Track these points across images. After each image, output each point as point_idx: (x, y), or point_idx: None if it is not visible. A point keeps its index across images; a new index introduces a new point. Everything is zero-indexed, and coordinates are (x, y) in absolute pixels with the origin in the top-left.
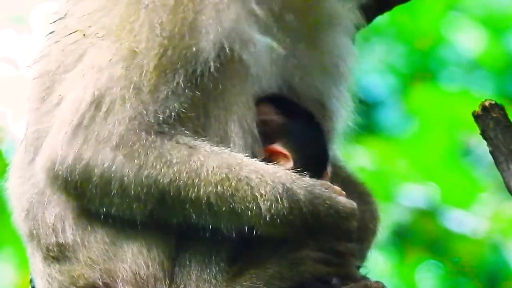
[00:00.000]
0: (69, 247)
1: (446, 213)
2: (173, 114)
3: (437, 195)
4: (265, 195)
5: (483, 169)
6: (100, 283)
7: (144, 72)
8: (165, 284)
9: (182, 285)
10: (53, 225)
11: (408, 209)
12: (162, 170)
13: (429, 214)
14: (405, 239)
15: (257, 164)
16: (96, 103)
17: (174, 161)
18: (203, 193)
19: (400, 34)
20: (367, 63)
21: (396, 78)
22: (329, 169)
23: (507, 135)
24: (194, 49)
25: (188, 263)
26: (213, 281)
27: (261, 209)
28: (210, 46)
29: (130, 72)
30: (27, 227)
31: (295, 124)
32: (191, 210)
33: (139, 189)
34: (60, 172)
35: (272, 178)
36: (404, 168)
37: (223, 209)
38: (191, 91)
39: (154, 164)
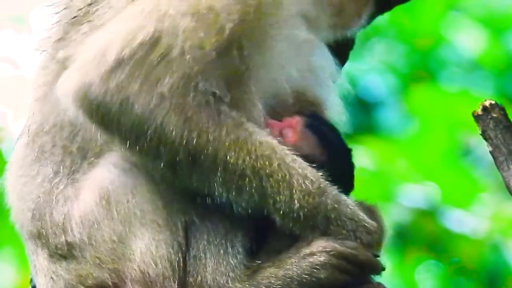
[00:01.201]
0: (76, 245)
1: (446, 213)
2: (225, 84)
3: (437, 195)
4: (301, 186)
5: (483, 169)
6: (110, 283)
7: (215, 32)
8: (174, 281)
9: (199, 278)
10: (62, 224)
11: (408, 209)
12: (210, 128)
13: (429, 214)
14: (405, 239)
15: (298, 158)
16: (153, 43)
17: (225, 125)
18: (241, 163)
19: (400, 34)
20: (367, 63)
21: (396, 78)
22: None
23: (507, 135)
24: (271, 22)
25: (203, 255)
26: (231, 274)
27: (292, 198)
28: (283, 23)
29: (200, 27)
30: (33, 227)
31: (336, 162)
32: (220, 177)
33: (177, 140)
34: (95, 99)
35: (311, 174)
36: (404, 168)
37: (254, 185)
38: (245, 65)
39: (201, 121)
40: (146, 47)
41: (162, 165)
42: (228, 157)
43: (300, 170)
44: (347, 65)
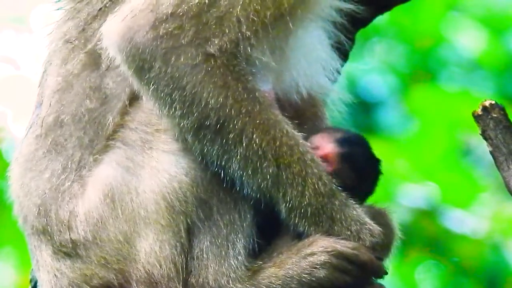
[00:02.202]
0: (81, 244)
1: (446, 213)
2: (263, 61)
3: (437, 195)
4: (314, 186)
5: (483, 169)
6: (115, 283)
7: (272, 4)
8: (178, 282)
9: (200, 279)
10: (67, 221)
11: (408, 209)
12: (244, 101)
13: (429, 214)
14: (405, 239)
15: (317, 159)
16: (211, 4)
17: (258, 102)
18: (265, 144)
19: (400, 34)
20: (367, 63)
21: (396, 78)
22: None
23: (507, 135)
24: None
25: (205, 256)
26: (232, 275)
27: (303, 194)
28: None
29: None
30: (38, 223)
31: (364, 184)
32: (242, 152)
33: (212, 102)
34: (141, 44)
35: (325, 177)
36: (404, 168)
37: (271, 170)
38: (281, 47)
39: (241, 91)
40: (203, 6)
41: (188, 125)
42: (254, 135)
43: (316, 171)
44: (347, 65)
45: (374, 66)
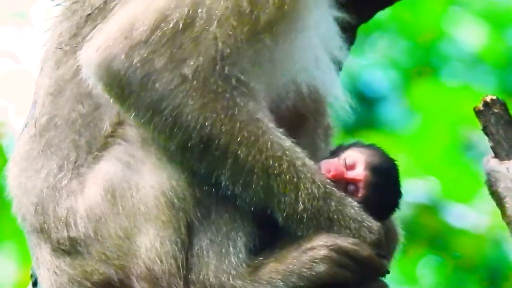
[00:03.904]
0: (81, 241)
1: (447, 208)
2: (250, 76)
3: (439, 190)
4: (307, 190)
5: None
6: (116, 279)
7: (248, 21)
8: (179, 278)
9: (201, 276)
10: (65, 219)
11: (410, 204)
12: (224, 119)
13: (430, 209)
14: (406, 234)
15: (310, 162)
16: (186, 26)
17: (240, 118)
18: (251, 159)
19: (402, 29)
20: (369, 58)
21: (398, 73)
22: None
23: (509, 130)
24: (303, 14)
25: (205, 253)
26: (233, 272)
27: (297, 200)
28: (308, 16)
29: (235, 15)
30: (36, 221)
31: (387, 198)
32: (229, 169)
33: (192, 124)
34: (117, 72)
35: (319, 178)
36: (405, 163)
37: (261, 183)
38: (274, 54)
39: (219, 110)
40: (178, 28)
41: (173, 147)
42: (238, 152)
43: (308, 175)
44: (349, 60)
45: (375, 61)
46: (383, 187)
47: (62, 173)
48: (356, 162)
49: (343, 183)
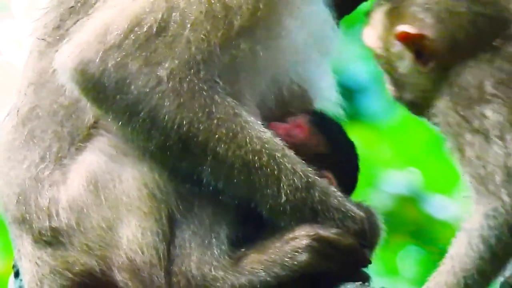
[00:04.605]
0: (63, 231)
1: (429, 199)
2: (226, 75)
3: (420, 181)
4: (289, 181)
5: None
6: (97, 270)
7: (222, 26)
8: (160, 269)
9: (183, 267)
10: (47, 209)
11: (391, 195)
12: (201, 118)
13: (412, 200)
14: (387, 225)
15: (290, 153)
16: (160, 30)
17: (218, 115)
18: (231, 154)
19: None
20: (351, 50)
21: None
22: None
23: None
24: (280, 16)
25: (188, 244)
26: (215, 263)
27: (280, 192)
28: (291, 16)
29: (209, 20)
30: (18, 211)
31: (344, 160)
32: (210, 166)
33: (169, 125)
34: (92, 76)
35: (300, 169)
36: (387, 154)
37: (243, 177)
38: (251, 56)
39: (196, 108)
40: (152, 32)
41: (152, 148)
42: (218, 148)
43: (289, 165)
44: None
45: (357, 52)
46: (324, 121)
47: (44, 163)
48: (299, 119)
49: (284, 130)
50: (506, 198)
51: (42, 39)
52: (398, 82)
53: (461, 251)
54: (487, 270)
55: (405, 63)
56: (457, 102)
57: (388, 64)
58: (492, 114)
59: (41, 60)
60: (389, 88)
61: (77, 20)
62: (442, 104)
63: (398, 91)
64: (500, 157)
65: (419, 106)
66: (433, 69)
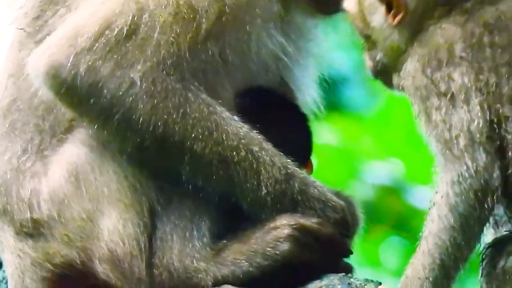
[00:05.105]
0: (44, 223)
1: (410, 190)
2: (200, 74)
3: (402, 172)
4: (268, 174)
5: None
6: (78, 261)
7: (191, 29)
8: (141, 260)
9: (164, 260)
10: (28, 200)
11: (373, 186)
12: (176, 118)
13: (393, 191)
14: (369, 215)
15: (268, 145)
16: (129, 33)
17: (192, 114)
18: (209, 152)
19: None
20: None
21: (361, 54)
22: (313, 161)
23: None
24: (248, 17)
25: (169, 237)
26: (197, 255)
27: (260, 186)
28: (259, 17)
29: (177, 23)
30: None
31: (273, 121)
32: (188, 164)
33: (144, 126)
34: (64, 81)
35: (279, 161)
36: (369, 145)
37: (221, 173)
38: (221, 59)
39: (170, 109)
40: (121, 35)
41: (129, 149)
42: (195, 147)
43: (267, 158)
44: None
45: (339, 42)
46: (254, 103)
47: (26, 155)
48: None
49: None
50: (469, 163)
51: (21, 28)
52: (371, 40)
53: (434, 227)
54: (459, 240)
55: (377, 16)
56: (426, 63)
57: (361, 20)
58: (459, 78)
59: (21, 51)
60: (366, 62)
61: (57, 11)
62: (411, 66)
63: (372, 55)
64: (464, 122)
65: (389, 69)
66: (404, 25)
